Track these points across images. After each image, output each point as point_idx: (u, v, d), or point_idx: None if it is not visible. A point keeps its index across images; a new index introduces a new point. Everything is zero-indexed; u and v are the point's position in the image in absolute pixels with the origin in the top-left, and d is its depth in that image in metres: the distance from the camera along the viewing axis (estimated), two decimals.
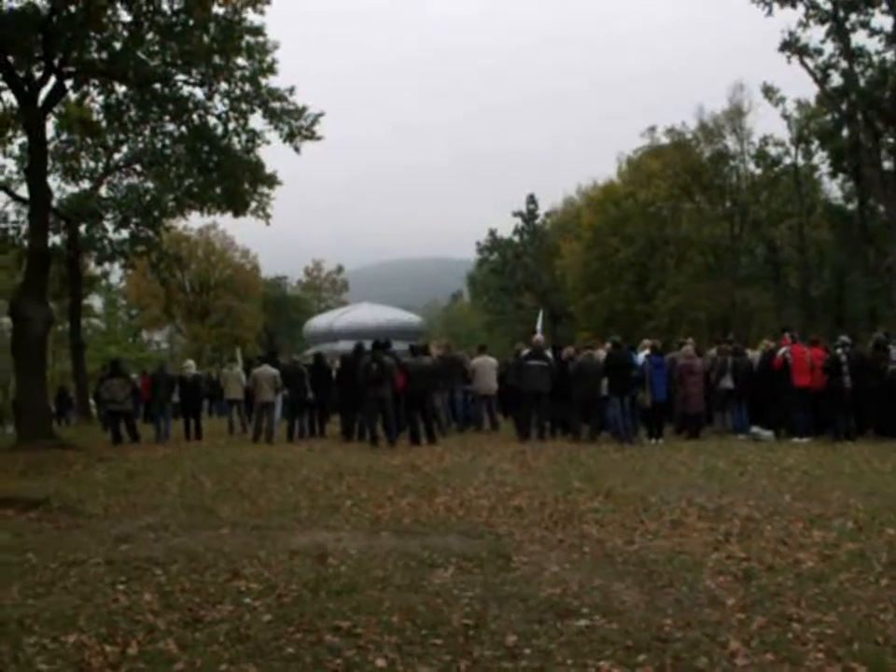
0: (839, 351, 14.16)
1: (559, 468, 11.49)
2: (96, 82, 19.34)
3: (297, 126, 18.74)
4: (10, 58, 16.83)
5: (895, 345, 14.29)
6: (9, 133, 20.86)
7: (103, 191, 25.65)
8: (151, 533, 7.41)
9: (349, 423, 16.25)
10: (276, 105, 18.90)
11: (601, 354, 15.36)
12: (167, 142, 21.60)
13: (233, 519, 8.01)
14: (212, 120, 19.23)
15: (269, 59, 18.25)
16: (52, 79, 17.62)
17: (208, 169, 18.90)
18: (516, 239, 63.26)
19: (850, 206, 41.24)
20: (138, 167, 24.71)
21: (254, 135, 19.38)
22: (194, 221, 60.82)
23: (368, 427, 14.96)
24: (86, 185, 25.33)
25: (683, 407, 15.25)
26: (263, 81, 19.01)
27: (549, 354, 15.62)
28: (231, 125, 19.22)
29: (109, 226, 25.59)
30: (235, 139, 19.17)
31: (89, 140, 25.49)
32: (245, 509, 8.64)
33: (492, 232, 64.30)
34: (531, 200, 62.81)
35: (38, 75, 17.84)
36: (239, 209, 19.09)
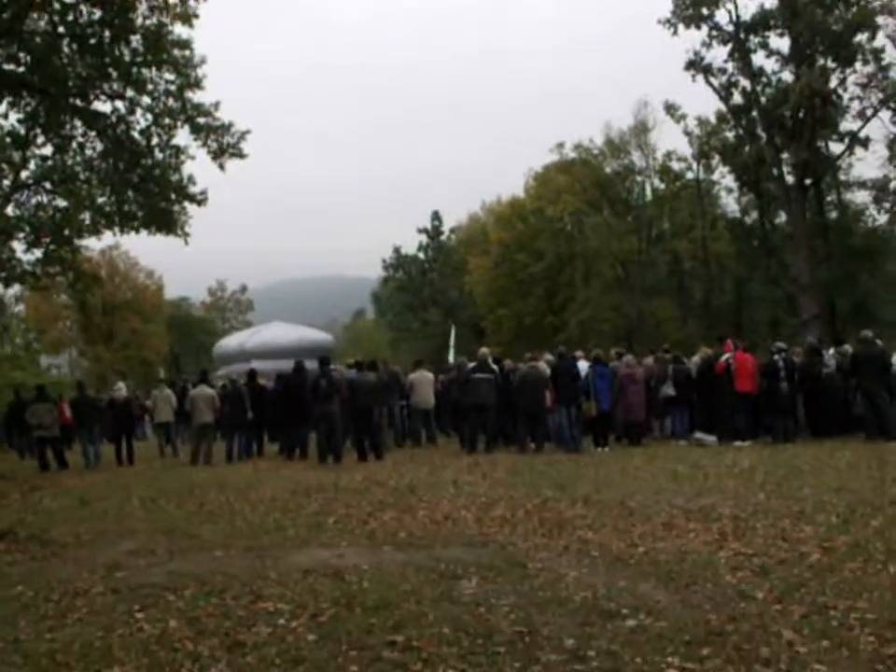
0: (776, 357, 14.66)
1: (522, 478, 11.52)
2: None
3: (225, 143, 18.36)
4: None
5: (826, 350, 14.90)
6: None
7: (9, 210, 24.56)
8: (140, 559, 7.08)
9: (291, 441, 15.98)
10: (201, 120, 18.48)
11: (543, 365, 15.51)
12: (87, 158, 20.87)
13: (218, 541, 7.72)
14: (135, 136, 18.69)
15: (195, 73, 17.85)
16: None
17: (134, 186, 18.31)
18: (421, 255, 63.49)
19: (747, 219, 43.04)
20: (47, 185, 23.75)
21: (177, 151, 18.88)
22: (95, 242, 59.02)
23: (317, 444, 14.72)
24: None
25: (625, 415, 15.51)
26: (188, 95, 18.57)
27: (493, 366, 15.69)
28: (154, 140, 18.72)
29: (18, 246, 24.61)
30: (160, 155, 18.65)
31: None
32: (224, 530, 8.36)
33: (396, 249, 64.37)
34: (436, 216, 63.18)
35: None
36: (169, 228, 18.52)
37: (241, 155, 18.75)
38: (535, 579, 5.99)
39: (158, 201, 18.31)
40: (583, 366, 15.60)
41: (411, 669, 4.32)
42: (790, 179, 31.82)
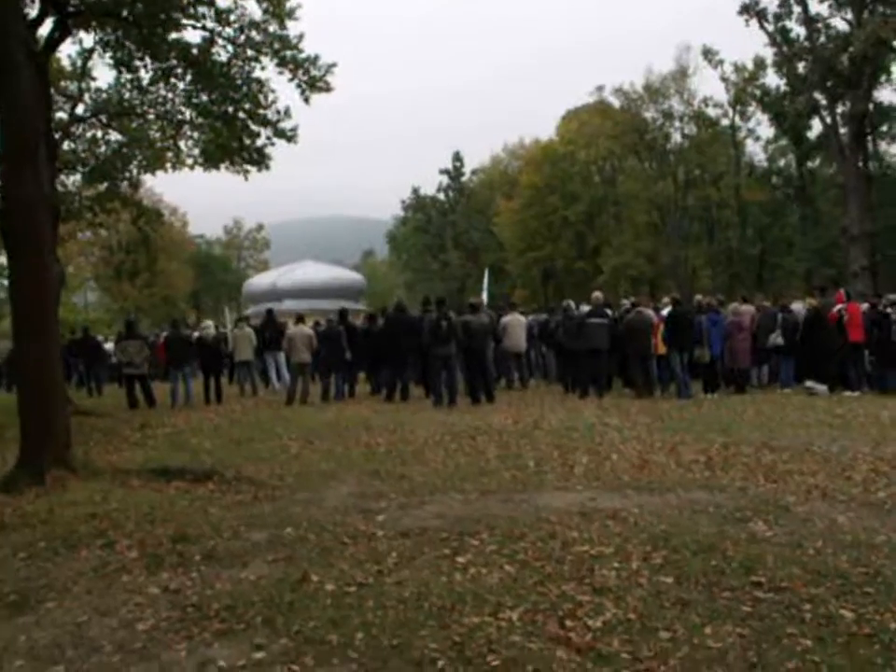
0: (888, 309, 14.64)
1: (669, 423, 11.50)
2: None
3: (313, 76, 17.97)
4: None
5: None
6: None
7: (65, 145, 24.11)
8: (379, 503, 6.98)
9: (392, 382, 15.92)
10: (287, 53, 18.06)
11: (649, 312, 15.50)
12: (144, 90, 20.41)
13: (438, 484, 7.62)
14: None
15: (289, 4, 17.37)
16: (51, 19, 16.47)
17: (224, 120, 17.89)
18: (441, 196, 62.92)
19: (774, 167, 43.00)
20: (103, 118, 23.25)
21: (260, 85, 18.47)
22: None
23: (432, 386, 14.67)
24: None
25: (731, 362, 15.53)
26: (271, 28, 18.12)
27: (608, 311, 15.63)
28: (234, 71, 18.32)
29: (75, 179, 24.24)
30: (244, 88, 18.26)
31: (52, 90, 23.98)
32: (427, 472, 8.28)
33: (415, 190, 63.74)
34: (457, 157, 62.39)
35: (33, 14, 16.61)
36: (260, 163, 18.14)
37: (328, 88, 18.37)
38: (812, 523, 5.98)
39: (250, 134, 17.97)
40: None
41: (802, 609, 4.32)
42: (842, 129, 31.47)
